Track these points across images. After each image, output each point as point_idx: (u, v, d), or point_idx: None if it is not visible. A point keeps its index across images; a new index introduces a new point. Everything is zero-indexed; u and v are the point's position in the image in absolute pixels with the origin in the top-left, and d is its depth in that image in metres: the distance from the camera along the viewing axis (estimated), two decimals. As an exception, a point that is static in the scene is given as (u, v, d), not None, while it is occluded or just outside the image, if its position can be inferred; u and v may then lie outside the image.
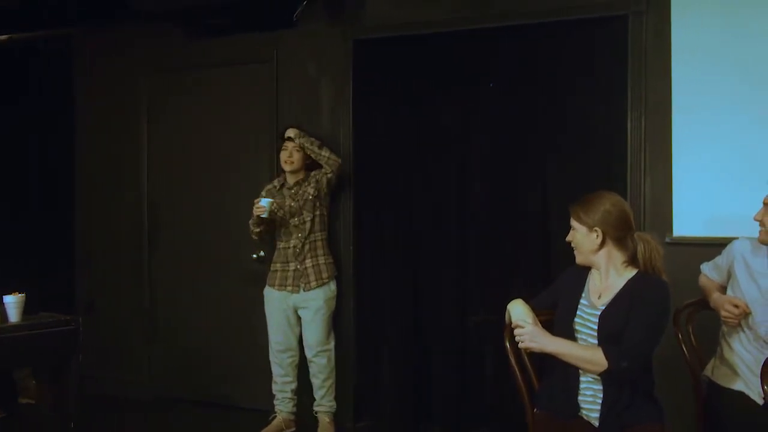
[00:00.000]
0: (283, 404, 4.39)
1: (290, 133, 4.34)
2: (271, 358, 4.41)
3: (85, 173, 5.42)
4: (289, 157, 4.30)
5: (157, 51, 5.15)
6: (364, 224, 4.51)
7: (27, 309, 3.55)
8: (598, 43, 4.05)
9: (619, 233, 2.71)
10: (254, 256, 4.83)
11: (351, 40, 4.54)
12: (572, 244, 2.81)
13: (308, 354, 4.35)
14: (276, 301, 4.36)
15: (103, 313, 5.27)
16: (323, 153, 4.29)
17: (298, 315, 4.37)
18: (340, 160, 4.33)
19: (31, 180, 5.58)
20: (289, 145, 4.31)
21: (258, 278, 4.83)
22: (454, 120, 4.34)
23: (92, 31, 5.29)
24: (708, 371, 3.05)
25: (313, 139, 4.33)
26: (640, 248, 2.72)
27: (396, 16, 4.47)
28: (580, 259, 2.81)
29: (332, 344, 4.39)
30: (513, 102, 4.23)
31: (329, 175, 4.30)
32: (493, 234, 4.27)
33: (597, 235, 2.71)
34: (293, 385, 4.39)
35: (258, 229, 4.28)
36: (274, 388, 4.42)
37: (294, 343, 4.38)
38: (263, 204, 4.17)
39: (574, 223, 2.78)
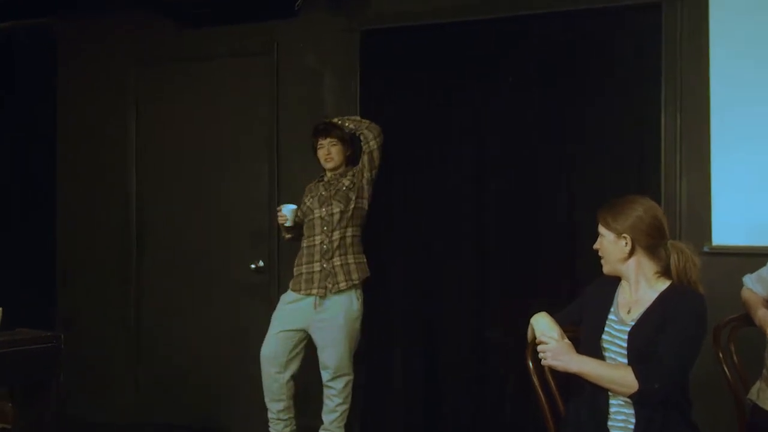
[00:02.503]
0: (272, 425, 4.35)
1: (330, 120, 4.39)
2: None
3: (67, 175, 5.42)
4: (327, 154, 4.31)
5: (147, 42, 5.18)
6: (372, 228, 4.49)
7: (4, 324, 3.56)
8: (628, 33, 4.08)
9: (651, 241, 2.70)
10: (253, 266, 4.83)
11: (358, 30, 4.58)
12: (599, 253, 2.81)
13: (324, 377, 4.28)
14: (289, 306, 4.27)
15: (86, 329, 5.25)
16: (365, 121, 4.34)
17: (305, 335, 4.28)
18: (380, 127, 4.31)
19: (10, 184, 5.61)
20: (324, 142, 4.32)
21: (257, 291, 4.85)
22: (468, 116, 4.38)
23: (76, 20, 5.32)
24: (753, 394, 3.03)
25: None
26: (673, 258, 2.70)
27: (407, 3, 4.50)
28: (607, 268, 2.80)
29: (351, 369, 4.27)
30: (533, 96, 4.26)
31: (371, 143, 4.26)
32: (513, 242, 4.29)
33: (626, 243, 2.70)
34: (279, 405, 4.28)
35: (289, 235, 4.37)
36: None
37: (283, 360, 4.26)
38: (285, 213, 4.17)
39: (601, 229, 2.78)
